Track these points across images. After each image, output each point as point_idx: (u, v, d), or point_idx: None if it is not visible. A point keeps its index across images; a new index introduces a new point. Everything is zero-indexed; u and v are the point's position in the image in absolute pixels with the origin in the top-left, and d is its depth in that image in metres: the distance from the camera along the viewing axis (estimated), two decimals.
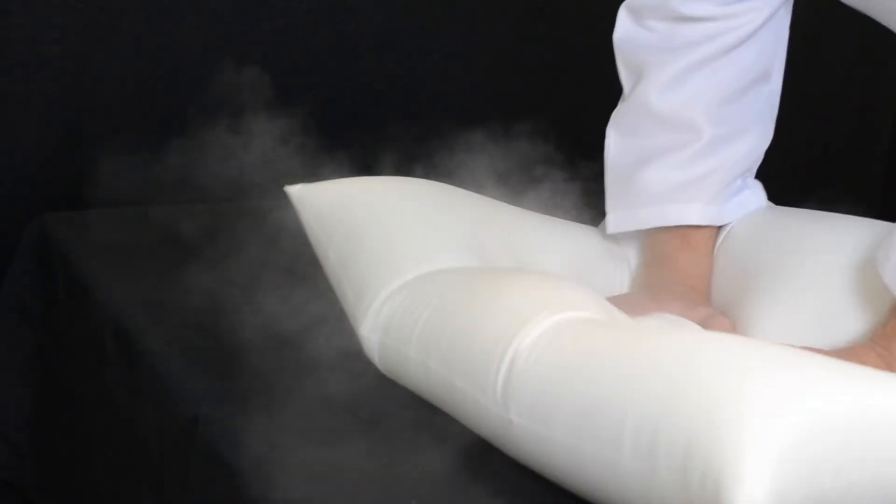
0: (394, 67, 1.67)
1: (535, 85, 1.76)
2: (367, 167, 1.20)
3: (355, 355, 1.02)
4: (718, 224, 1.12)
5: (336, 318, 1.08)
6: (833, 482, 0.67)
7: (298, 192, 1.11)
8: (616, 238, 1.17)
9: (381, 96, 1.67)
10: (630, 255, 1.17)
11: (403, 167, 1.19)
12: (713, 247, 1.12)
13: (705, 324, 1.01)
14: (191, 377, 0.97)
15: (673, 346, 0.78)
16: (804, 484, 0.66)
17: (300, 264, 1.13)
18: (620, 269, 1.16)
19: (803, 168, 1.90)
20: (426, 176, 1.16)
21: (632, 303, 1.03)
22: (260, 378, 0.97)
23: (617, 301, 1.03)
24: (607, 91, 1.19)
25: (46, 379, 1.35)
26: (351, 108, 1.66)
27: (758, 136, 1.13)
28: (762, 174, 1.23)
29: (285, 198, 1.16)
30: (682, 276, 1.09)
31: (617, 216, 1.13)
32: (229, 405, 0.92)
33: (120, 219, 1.42)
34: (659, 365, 0.76)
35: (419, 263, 1.00)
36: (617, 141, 1.13)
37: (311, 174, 1.18)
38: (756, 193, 1.15)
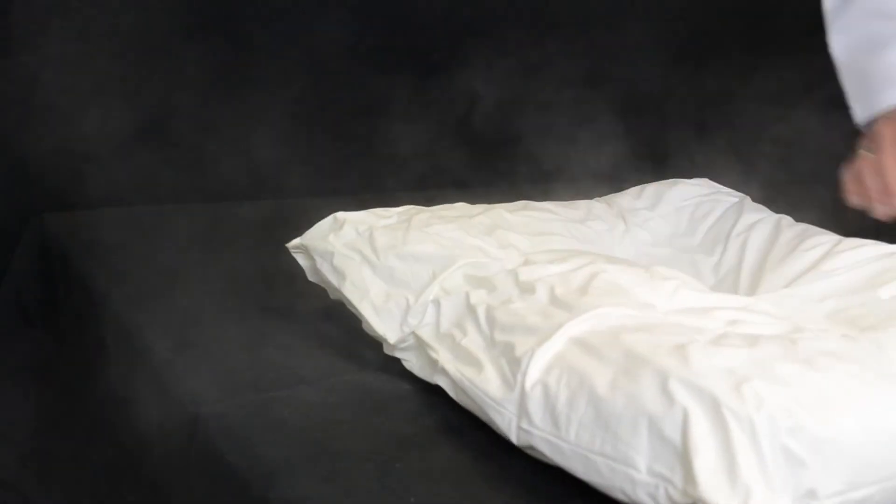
0: None
1: None
2: None
3: (356, 355, 1.02)
4: None
5: (337, 316, 1.08)
6: None
7: (298, 245, 1.12)
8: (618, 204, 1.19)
9: None
10: (630, 219, 1.20)
11: None
12: None
13: None
14: (191, 377, 0.97)
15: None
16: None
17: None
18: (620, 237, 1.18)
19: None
20: None
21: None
22: (260, 377, 0.97)
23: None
24: None
25: (46, 379, 1.35)
26: None
27: None
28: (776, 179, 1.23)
29: (288, 198, 1.16)
30: None
31: (863, 105, 1.13)
32: (229, 405, 0.92)
33: (120, 219, 1.42)
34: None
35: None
36: (844, 45, 1.15)
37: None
38: None
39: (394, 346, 0.99)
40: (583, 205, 1.24)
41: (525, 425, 0.83)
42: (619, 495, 0.77)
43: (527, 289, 0.95)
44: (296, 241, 1.11)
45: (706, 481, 0.72)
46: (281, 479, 0.81)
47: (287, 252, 1.13)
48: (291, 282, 1.14)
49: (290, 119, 1.60)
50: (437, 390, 0.94)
